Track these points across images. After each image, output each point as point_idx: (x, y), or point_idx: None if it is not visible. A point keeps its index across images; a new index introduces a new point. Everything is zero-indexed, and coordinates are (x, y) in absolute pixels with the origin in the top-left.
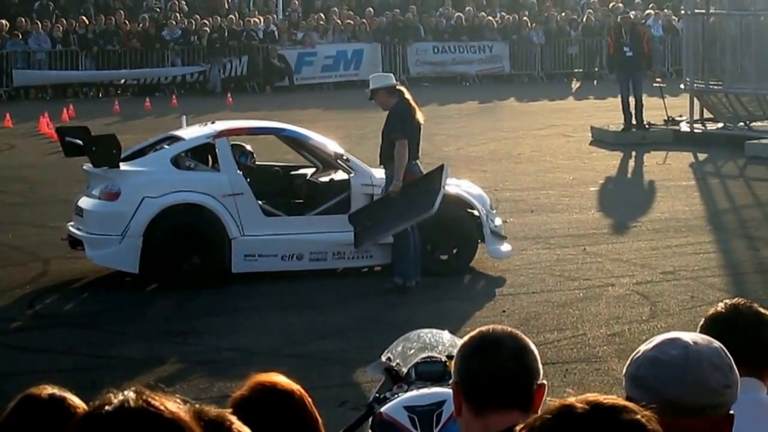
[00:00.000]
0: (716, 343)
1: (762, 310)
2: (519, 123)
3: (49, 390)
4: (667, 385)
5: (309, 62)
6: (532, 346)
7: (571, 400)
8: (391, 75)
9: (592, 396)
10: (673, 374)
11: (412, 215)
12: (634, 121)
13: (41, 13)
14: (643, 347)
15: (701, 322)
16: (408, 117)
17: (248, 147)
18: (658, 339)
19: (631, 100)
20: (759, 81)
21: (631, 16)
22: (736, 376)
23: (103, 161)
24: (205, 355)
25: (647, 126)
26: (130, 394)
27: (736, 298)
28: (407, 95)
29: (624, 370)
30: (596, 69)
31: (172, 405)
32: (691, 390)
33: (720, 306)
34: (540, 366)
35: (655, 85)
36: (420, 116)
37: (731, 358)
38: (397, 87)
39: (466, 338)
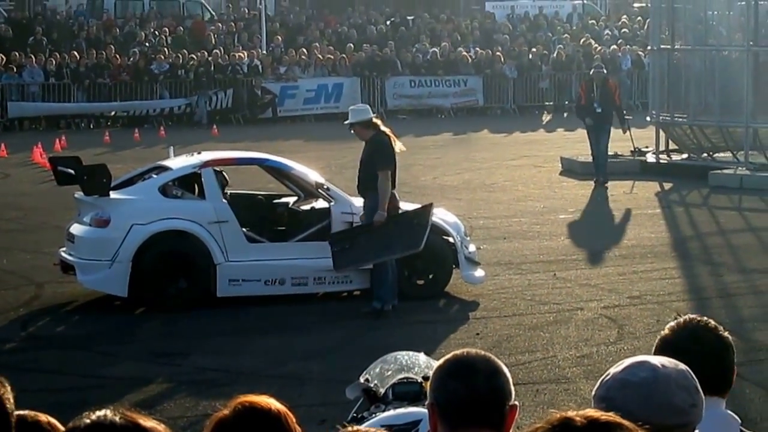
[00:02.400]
0: (682, 366)
1: (719, 329)
2: (492, 154)
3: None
4: (636, 406)
5: (291, 95)
6: (505, 369)
7: (571, 414)
8: (368, 108)
9: (591, 411)
10: (641, 395)
11: (399, 249)
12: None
13: (35, 48)
14: (613, 370)
15: (656, 344)
16: (389, 148)
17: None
18: (627, 362)
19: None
20: (722, 114)
21: (605, 72)
22: (701, 396)
23: (94, 190)
24: (190, 375)
25: (606, 186)
26: (108, 411)
27: (692, 319)
28: (383, 127)
29: (593, 392)
30: (566, 102)
31: (150, 421)
32: (659, 410)
33: (676, 330)
34: (512, 388)
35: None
36: (398, 146)
37: (696, 380)
38: (374, 120)
39: (441, 361)
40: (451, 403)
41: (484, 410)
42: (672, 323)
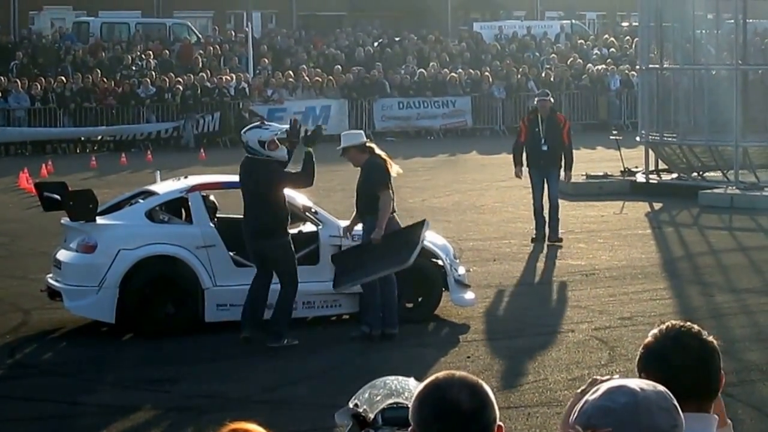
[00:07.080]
0: (661, 387)
1: (703, 334)
2: (481, 175)
3: None
4: None
5: (278, 118)
6: (490, 395)
7: None
8: (362, 132)
9: None
10: (625, 421)
11: (388, 266)
12: (547, 230)
13: (20, 72)
14: (590, 397)
15: (639, 353)
16: (384, 170)
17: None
18: (603, 387)
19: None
20: (711, 133)
21: (551, 101)
22: (681, 417)
23: (80, 215)
24: (178, 401)
25: (560, 241)
26: None
27: (674, 325)
28: (378, 150)
29: (571, 420)
30: None
31: None
32: None
33: (658, 337)
34: (497, 412)
35: (611, 137)
36: (395, 170)
37: (675, 399)
38: (368, 144)
39: (422, 387)
40: None
41: None
42: (654, 330)
